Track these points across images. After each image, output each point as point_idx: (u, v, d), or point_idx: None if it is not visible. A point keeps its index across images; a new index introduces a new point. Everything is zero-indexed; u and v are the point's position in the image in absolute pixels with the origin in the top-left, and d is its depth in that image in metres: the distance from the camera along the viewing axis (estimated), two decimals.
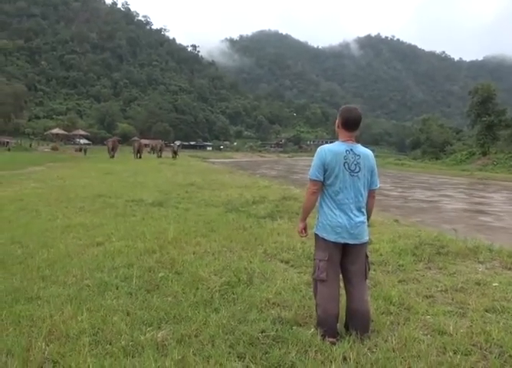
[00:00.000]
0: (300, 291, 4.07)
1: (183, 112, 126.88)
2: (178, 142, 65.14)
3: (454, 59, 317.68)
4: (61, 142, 73.71)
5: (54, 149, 58.42)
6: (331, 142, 3.23)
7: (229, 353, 2.85)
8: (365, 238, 3.20)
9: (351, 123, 3.17)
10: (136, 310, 3.52)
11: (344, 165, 3.10)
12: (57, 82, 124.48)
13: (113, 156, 40.58)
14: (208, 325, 3.24)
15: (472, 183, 31.13)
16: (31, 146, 61.55)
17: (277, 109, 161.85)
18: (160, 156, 46.77)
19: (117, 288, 4.05)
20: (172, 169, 25.56)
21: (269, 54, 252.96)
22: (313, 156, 3.20)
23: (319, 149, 3.21)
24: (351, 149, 3.14)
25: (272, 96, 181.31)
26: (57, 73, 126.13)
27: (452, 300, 4.02)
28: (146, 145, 51.24)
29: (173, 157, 45.10)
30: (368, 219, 3.31)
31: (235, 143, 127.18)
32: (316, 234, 3.22)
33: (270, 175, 30.02)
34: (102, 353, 2.82)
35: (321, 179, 3.14)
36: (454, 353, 2.92)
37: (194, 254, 5.38)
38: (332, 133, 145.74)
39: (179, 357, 2.75)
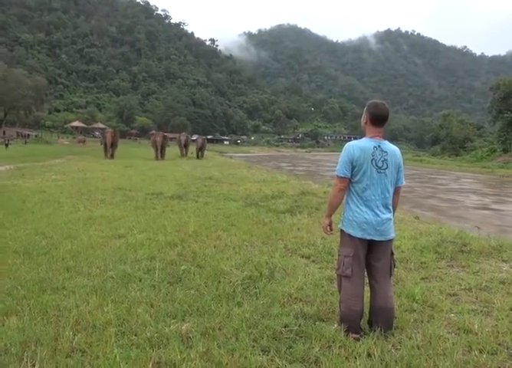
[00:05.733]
0: (322, 287, 4.06)
1: (201, 106, 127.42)
2: (195, 136, 56.89)
3: (475, 54, 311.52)
4: (81, 135, 74.54)
5: (81, 141, 58.15)
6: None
7: (253, 346, 2.86)
8: (391, 235, 3.18)
9: (379, 119, 3.13)
10: (160, 303, 3.55)
11: (372, 162, 3.07)
12: (77, 75, 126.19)
13: (112, 155, 29.53)
14: (232, 318, 3.25)
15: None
16: (43, 137, 61.89)
17: (295, 103, 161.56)
18: (185, 154, 36.38)
19: (140, 280, 4.09)
20: (190, 163, 25.72)
21: (287, 48, 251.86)
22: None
23: (346, 145, 3.17)
24: (379, 146, 3.10)
25: (290, 90, 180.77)
26: (77, 67, 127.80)
27: (476, 298, 3.97)
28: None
29: (197, 157, 34.80)
30: (393, 216, 3.28)
31: (253, 138, 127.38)
32: (341, 230, 3.20)
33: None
34: (128, 344, 2.86)
35: (349, 175, 3.10)
36: (480, 352, 2.89)
37: (215, 247, 5.41)
38: (350, 128, 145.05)
39: (204, 350, 2.78)
